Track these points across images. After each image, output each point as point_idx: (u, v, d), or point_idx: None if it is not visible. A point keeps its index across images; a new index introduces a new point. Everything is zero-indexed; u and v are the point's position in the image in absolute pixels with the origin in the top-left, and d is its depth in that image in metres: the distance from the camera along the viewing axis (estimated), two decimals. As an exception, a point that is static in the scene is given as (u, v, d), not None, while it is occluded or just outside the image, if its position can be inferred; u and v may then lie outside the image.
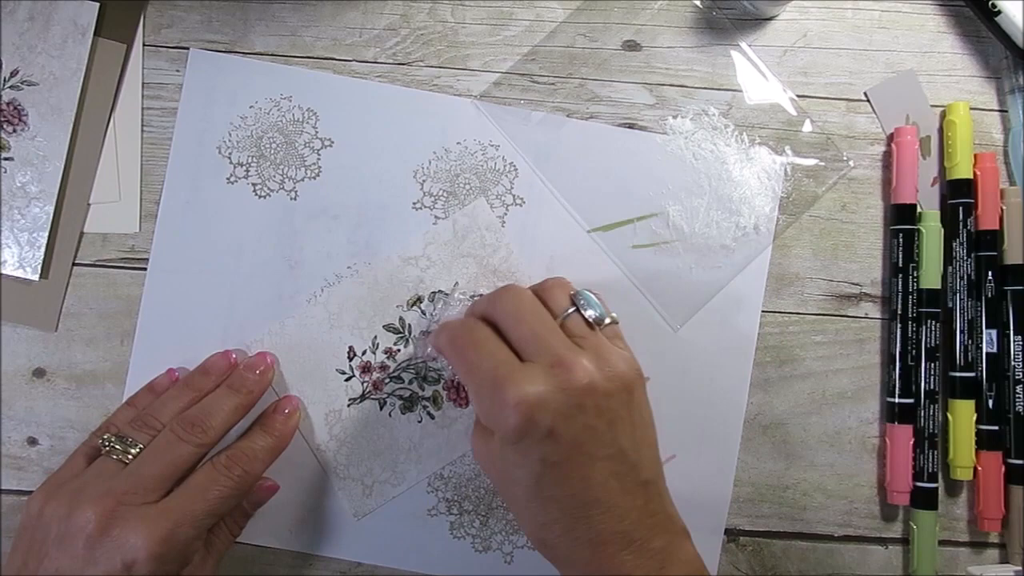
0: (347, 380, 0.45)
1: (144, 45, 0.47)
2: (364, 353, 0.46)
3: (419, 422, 0.45)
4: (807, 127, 0.47)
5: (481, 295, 0.44)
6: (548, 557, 0.36)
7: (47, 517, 0.37)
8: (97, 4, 0.46)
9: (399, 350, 0.46)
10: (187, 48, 0.47)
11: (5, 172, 0.45)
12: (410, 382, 0.46)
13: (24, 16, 0.46)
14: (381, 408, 0.45)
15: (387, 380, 0.46)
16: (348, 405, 0.45)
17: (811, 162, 0.47)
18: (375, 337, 0.46)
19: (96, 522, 0.36)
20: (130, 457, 0.39)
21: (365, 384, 0.45)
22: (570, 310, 0.38)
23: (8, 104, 0.45)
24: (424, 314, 0.45)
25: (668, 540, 0.35)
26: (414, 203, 0.46)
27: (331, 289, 0.46)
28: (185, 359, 0.45)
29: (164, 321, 0.45)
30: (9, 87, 0.46)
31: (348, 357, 0.46)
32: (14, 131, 0.45)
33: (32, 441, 0.45)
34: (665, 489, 0.38)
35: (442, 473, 0.45)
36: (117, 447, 0.39)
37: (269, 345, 0.45)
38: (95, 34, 0.46)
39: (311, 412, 0.45)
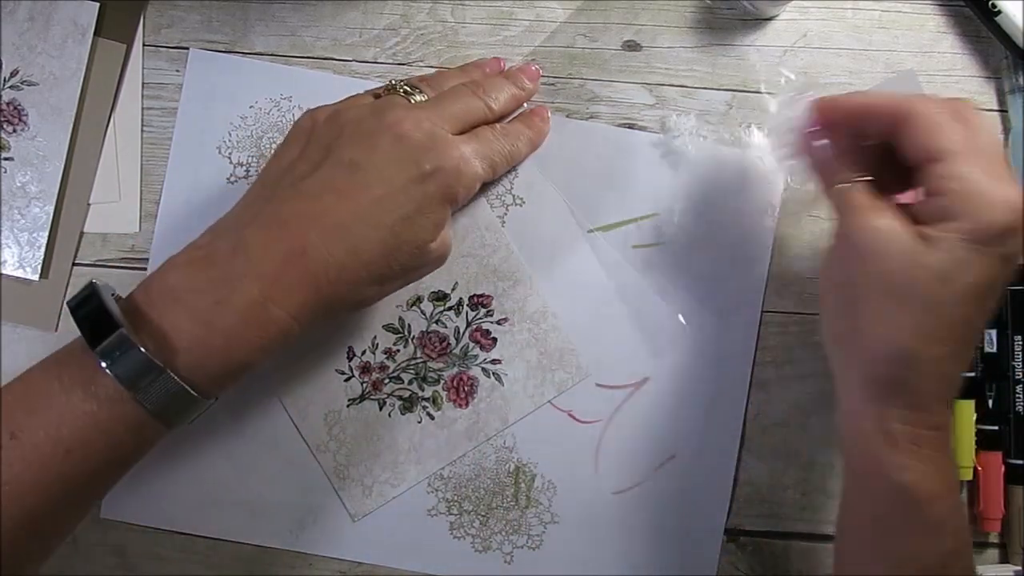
0: (346, 380, 0.45)
1: (144, 45, 0.47)
2: (363, 353, 0.46)
3: (419, 422, 0.45)
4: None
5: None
6: (871, 375, 0.34)
7: (342, 119, 0.38)
8: (97, 4, 0.46)
9: (399, 350, 0.46)
10: (187, 48, 0.47)
11: (5, 172, 0.45)
12: (410, 382, 0.46)
13: (24, 16, 0.46)
14: (381, 408, 0.45)
15: (387, 380, 0.46)
16: (347, 405, 0.45)
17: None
18: (374, 337, 0.46)
19: (407, 123, 0.37)
20: (422, 100, 0.40)
21: (364, 384, 0.45)
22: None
23: (8, 104, 0.46)
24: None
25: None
26: None
27: None
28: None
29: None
30: (9, 87, 0.46)
31: (347, 357, 0.46)
32: (14, 131, 0.45)
33: (32, 441, 0.45)
34: None
35: (442, 473, 0.45)
36: (408, 89, 0.41)
37: None
38: (95, 34, 0.46)
39: (310, 412, 0.45)
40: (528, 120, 0.45)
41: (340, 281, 0.35)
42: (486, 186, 0.46)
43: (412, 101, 0.40)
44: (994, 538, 0.46)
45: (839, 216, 0.36)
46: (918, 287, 0.33)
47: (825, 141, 0.38)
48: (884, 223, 0.34)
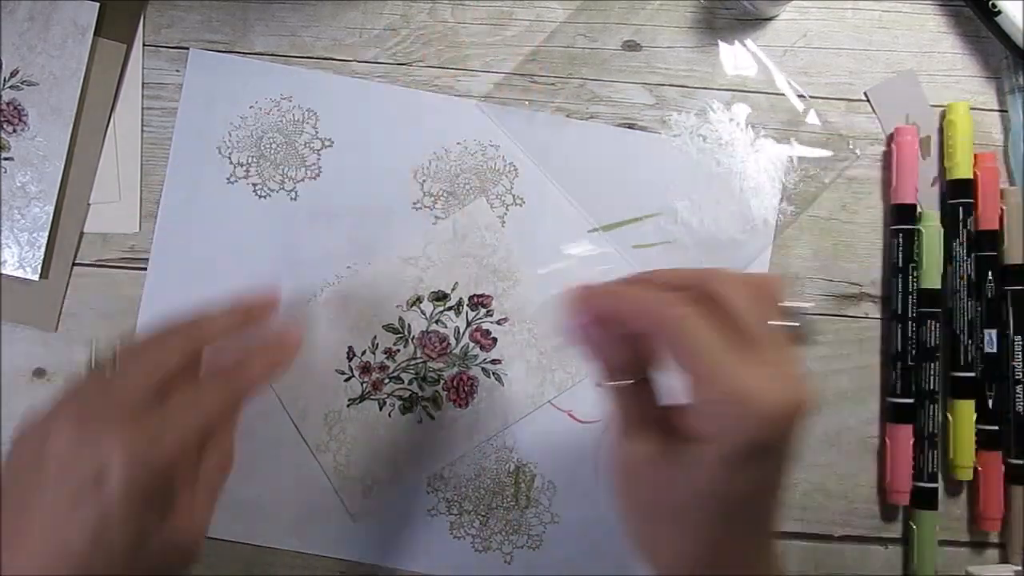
0: (346, 380, 0.45)
1: (144, 45, 0.47)
2: (364, 353, 0.46)
3: (419, 422, 0.45)
4: (812, 118, 0.47)
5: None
6: None
7: (22, 455, 0.33)
8: (97, 4, 0.46)
9: (399, 350, 0.46)
10: (187, 48, 0.47)
11: (5, 172, 0.45)
12: (410, 382, 0.45)
13: (24, 16, 0.46)
14: (380, 408, 0.45)
15: (387, 380, 0.46)
16: (348, 405, 0.45)
17: (817, 153, 0.47)
18: (375, 337, 0.46)
19: (66, 443, 0.31)
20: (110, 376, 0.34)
21: (365, 384, 0.45)
22: (791, 324, 0.32)
23: (8, 104, 0.45)
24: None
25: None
26: (414, 203, 0.46)
27: (331, 289, 0.46)
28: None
29: (166, 300, 0.45)
30: (9, 87, 0.46)
31: (347, 357, 0.46)
32: (14, 131, 0.45)
33: (32, 441, 0.45)
34: None
35: (442, 473, 0.45)
36: (98, 363, 0.34)
37: None
38: (95, 34, 0.46)
39: (310, 412, 0.45)
40: (268, 344, 0.38)
41: None
42: (487, 187, 0.46)
43: (96, 380, 0.34)
44: (994, 538, 0.46)
45: None
46: (677, 503, 0.31)
47: (599, 337, 0.32)
48: (638, 449, 0.31)
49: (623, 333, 0.31)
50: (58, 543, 0.30)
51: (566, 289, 0.32)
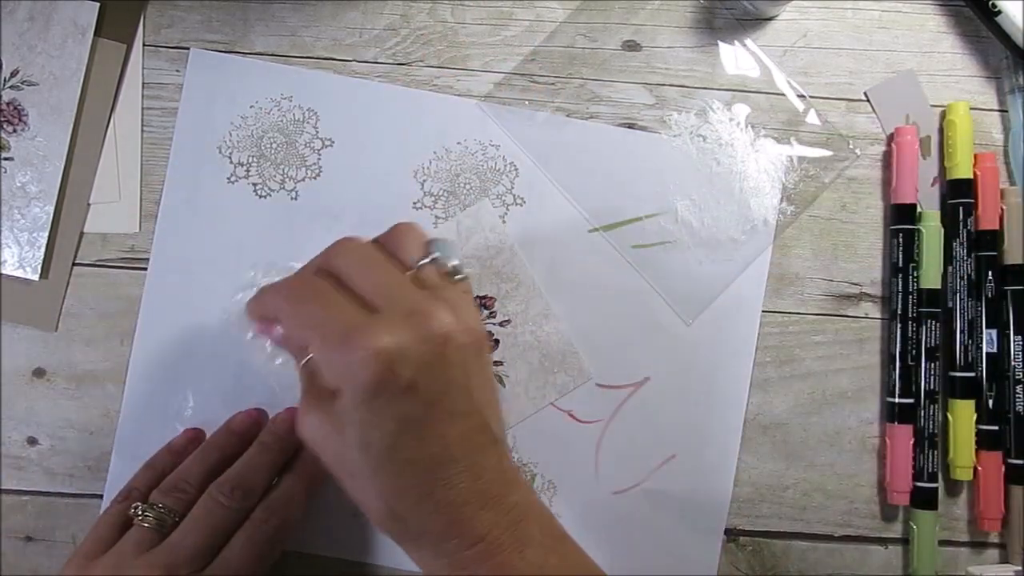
0: None
1: (144, 45, 0.47)
2: None
3: None
4: (812, 118, 0.47)
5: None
6: (396, 534, 0.33)
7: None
8: (97, 4, 0.46)
9: None
10: (187, 48, 0.47)
11: (5, 172, 0.45)
12: None
13: (24, 16, 0.45)
14: None
15: None
16: None
17: (817, 153, 0.47)
18: None
19: None
20: (166, 526, 0.38)
21: None
22: (424, 260, 0.34)
23: (8, 104, 0.45)
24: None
25: (522, 495, 0.34)
26: (414, 203, 0.46)
27: None
28: (185, 359, 0.45)
29: (164, 321, 0.45)
30: (9, 87, 0.45)
31: None
32: (14, 131, 0.45)
33: (32, 441, 0.45)
34: (508, 448, 0.36)
35: None
36: (150, 515, 0.38)
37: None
38: (95, 34, 0.46)
39: None
40: (300, 466, 0.42)
41: None
42: (487, 187, 0.46)
43: (163, 528, 0.38)
44: (994, 538, 0.46)
45: None
46: (356, 459, 0.32)
47: (269, 331, 0.36)
48: (309, 411, 0.33)
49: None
50: None
51: (247, 304, 0.36)
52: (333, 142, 0.46)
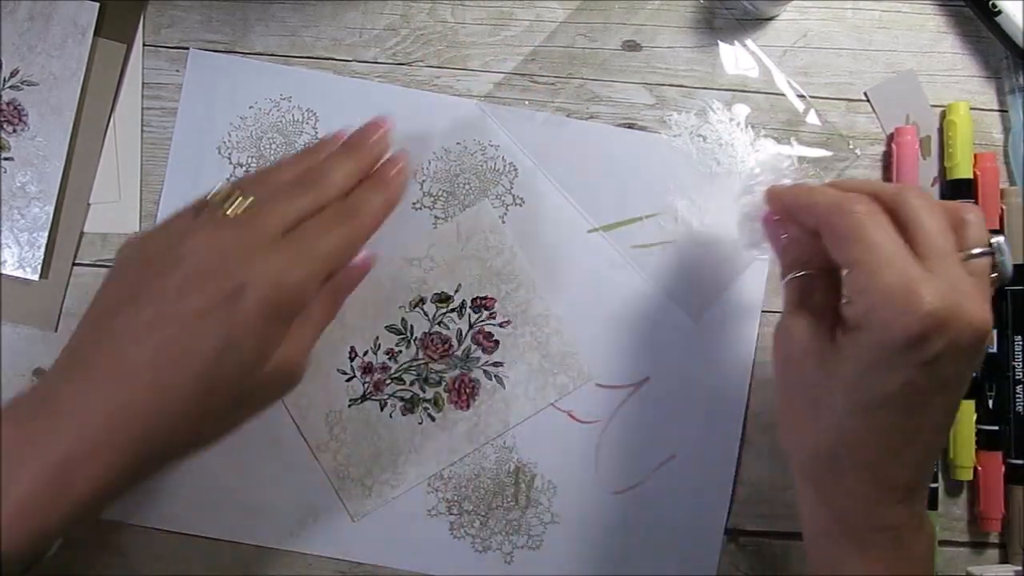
0: (348, 380, 0.45)
1: (144, 45, 0.47)
2: (366, 354, 0.46)
3: (420, 424, 0.45)
4: (812, 118, 0.47)
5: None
6: (814, 478, 0.34)
7: (148, 251, 0.34)
8: (97, 4, 0.46)
9: (401, 351, 0.46)
10: (187, 48, 0.47)
11: (5, 172, 0.45)
12: (411, 383, 0.45)
13: (24, 16, 0.46)
14: (382, 409, 0.45)
15: (388, 381, 0.46)
16: (349, 405, 0.45)
17: (817, 153, 0.47)
18: (377, 338, 0.46)
19: (205, 250, 0.33)
20: (243, 209, 0.35)
21: (366, 385, 0.45)
22: (983, 250, 0.33)
23: (8, 104, 0.45)
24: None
25: (923, 508, 0.34)
26: (414, 203, 0.46)
27: None
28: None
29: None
30: (9, 87, 0.46)
31: (349, 357, 0.46)
32: (14, 131, 0.45)
33: (32, 441, 0.45)
34: None
35: (442, 474, 0.45)
36: (227, 197, 0.35)
37: None
38: (95, 34, 0.46)
39: (311, 412, 0.45)
40: (377, 180, 0.39)
41: (157, 431, 0.31)
42: (487, 187, 0.46)
43: (228, 212, 0.35)
44: (994, 538, 0.46)
45: None
46: (830, 394, 0.33)
47: (779, 230, 0.37)
48: (798, 326, 0.34)
49: (808, 228, 0.35)
50: (180, 345, 0.31)
51: (764, 190, 0.37)
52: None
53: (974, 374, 0.37)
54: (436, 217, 0.46)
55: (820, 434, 0.33)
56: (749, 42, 0.47)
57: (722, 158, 0.47)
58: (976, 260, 0.32)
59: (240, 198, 0.35)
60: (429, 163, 0.46)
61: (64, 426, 0.30)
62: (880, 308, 0.31)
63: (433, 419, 0.45)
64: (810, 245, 0.35)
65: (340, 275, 0.38)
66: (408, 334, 0.46)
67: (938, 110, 0.47)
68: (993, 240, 0.33)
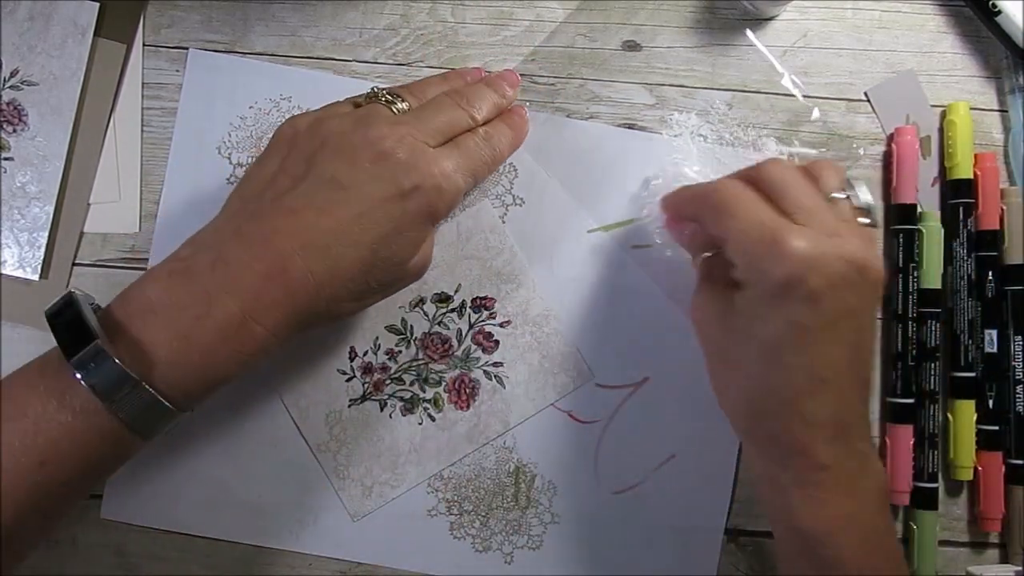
0: (348, 380, 0.45)
1: (144, 45, 0.47)
2: (365, 354, 0.46)
3: (420, 424, 0.45)
4: (815, 115, 0.47)
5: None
6: (744, 429, 0.37)
7: (324, 130, 0.37)
8: (97, 4, 0.46)
9: (400, 351, 0.46)
10: (187, 48, 0.47)
11: (5, 172, 0.45)
12: (411, 383, 0.45)
13: (24, 16, 0.46)
14: (382, 409, 0.45)
15: (388, 381, 0.45)
16: (349, 406, 0.45)
17: (819, 151, 0.47)
18: (377, 338, 0.46)
19: (390, 140, 0.36)
20: (405, 108, 0.39)
21: (366, 385, 0.45)
22: (842, 194, 0.36)
23: (8, 104, 0.45)
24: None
25: (868, 445, 0.36)
26: None
27: None
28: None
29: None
30: (9, 87, 0.46)
31: (349, 357, 0.46)
32: (14, 131, 0.45)
33: (32, 441, 0.45)
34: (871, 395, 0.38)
35: (442, 474, 0.45)
36: (390, 98, 0.39)
37: None
38: (95, 34, 0.46)
39: (311, 412, 0.45)
40: (509, 120, 0.43)
41: (319, 298, 0.35)
42: (487, 187, 0.46)
43: (394, 111, 0.39)
44: (994, 538, 0.46)
45: None
46: (737, 350, 0.36)
47: (680, 228, 0.42)
48: (702, 298, 0.38)
49: (697, 219, 0.39)
50: (361, 223, 0.35)
51: (661, 197, 0.42)
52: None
53: (878, 317, 0.40)
54: None
55: (739, 390, 0.36)
56: (749, 42, 0.47)
57: (723, 158, 0.47)
58: (840, 204, 0.36)
59: (404, 101, 0.40)
60: None
61: (239, 287, 0.34)
62: (755, 261, 0.34)
63: (433, 419, 0.45)
64: (706, 233, 0.38)
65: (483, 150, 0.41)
66: (408, 334, 0.46)
67: (938, 110, 0.47)
68: (847, 177, 0.37)
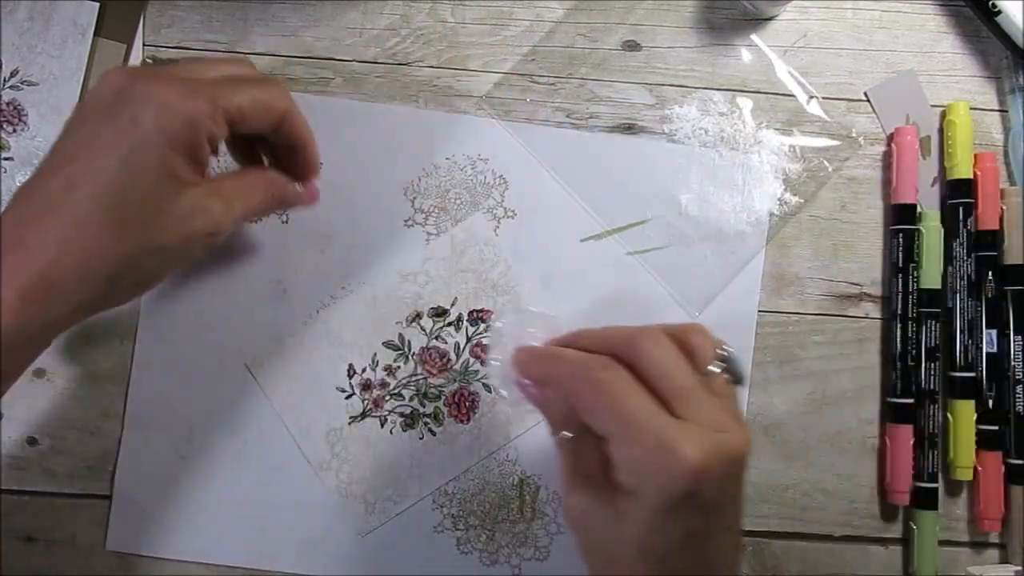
0: (347, 398, 0.45)
1: (144, 45, 0.47)
2: (364, 371, 0.45)
3: (421, 439, 0.45)
4: (814, 107, 0.47)
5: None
6: None
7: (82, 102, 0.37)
8: (97, 4, 0.46)
9: (399, 367, 0.45)
10: (187, 48, 0.47)
11: (5, 172, 0.45)
12: (411, 399, 0.45)
13: (24, 16, 0.46)
14: (382, 426, 0.45)
15: (388, 397, 0.45)
16: (349, 423, 0.45)
17: (820, 143, 0.47)
18: (374, 354, 0.45)
19: (106, 89, 0.34)
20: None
21: (365, 402, 0.45)
22: (717, 368, 0.34)
23: (8, 104, 0.45)
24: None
25: None
26: (405, 220, 0.46)
27: (327, 309, 0.45)
28: (187, 358, 0.45)
29: (164, 321, 0.45)
30: (9, 87, 0.46)
31: (348, 375, 0.45)
32: (14, 131, 0.45)
33: (32, 441, 0.45)
34: None
35: (446, 489, 0.45)
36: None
37: (268, 363, 0.45)
38: (95, 34, 0.46)
39: (311, 431, 0.45)
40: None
41: (60, 269, 0.32)
42: (478, 201, 0.46)
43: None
44: (994, 538, 0.46)
45: None
46: (623, 557, 0.32)
47: (537, 392, 0.35)
48: (579, 503, 0.33)
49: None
50: (87, 173, 0.33)
51: (513, 351, 0.35)
52: (321, 163, 0.45)
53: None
54: (429, 234, 0.46)
55: None
56: (750, 41, 0.47)
57: (724, 151, 0.47)
58: (716, 380, 0.33)
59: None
60: (419, 179, 0.46)
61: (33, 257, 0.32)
62: (646, 475, 0.31)
63: (434, 433, 0.45)
64: (563, 405, 0.34)
65: (276, 179, 0.40)
66: (406, 349, 0.46)
67: (938, 110, 0.47)
68: (720, 351, 0.34)
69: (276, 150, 0.41)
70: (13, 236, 0.32)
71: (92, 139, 0.34)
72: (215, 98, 0.35)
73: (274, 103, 0.37)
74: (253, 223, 0.45)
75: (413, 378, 0.45)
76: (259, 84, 0.37)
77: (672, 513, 0.30)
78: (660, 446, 0.30)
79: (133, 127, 0.33)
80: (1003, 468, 0.45)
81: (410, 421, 0.45)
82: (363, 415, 0.45)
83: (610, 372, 0.32)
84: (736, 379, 0.34)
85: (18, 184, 0.45)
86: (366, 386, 0.45)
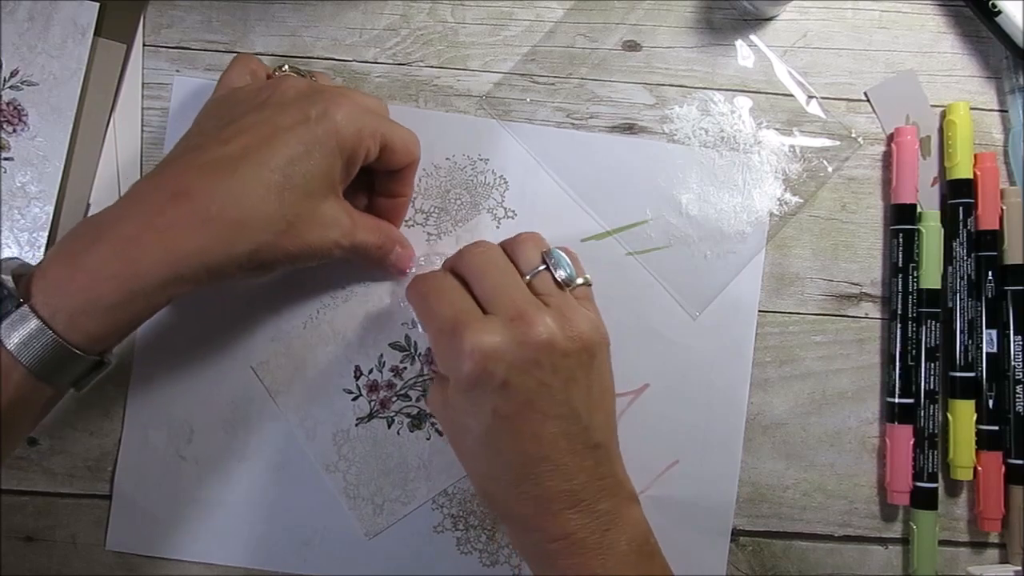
0: (354, 399, 0.45)
1: (144, 45, 0.47)
2: (370, 372, 0.45)
3: (428, 439, 0.45)
4: (814, 108, 0.47)
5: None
6: (492, 509, 0.38)
7: (239, 96, 0.39)
8: (97, 4, 0.46)
9: (405, 368, 0.45)
10: (187, 48, 0.47)
11: (5, 172, 0.45)
12: (417, 399, 0.45)
13: (24, 16, 0.46)
14: (389, 426, 0.45)
15: (394, 398, 0.45)
16: (356, 424, 0.45)
17: (820, 142, 0.47)
18: (381, 355, 0.45)
19: (297, 89, 0.37)
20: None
21: (372, 403, 0.45)
22: (539, 268, 0.37)
23: (8, 104, 0.45)
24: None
25: (615, 503, 0.36)
26: (406, 221, 0.46)
27: (333, 311, 0.45)
28: (188, 358, 0.45)
29: (165, 320, 0.45)
30: (9, 87, 0.46)
31: (354, 376, 0.45)
32: (14, 131, 0.45)
33: (32, 441, 0.45)
34: (617, 455, 0.38)
35: (447, 490, 0.45)
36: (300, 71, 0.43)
37: (274, 366, 0.45)
38: (95, 34, 0.46)
39: (319, 432, 0.45)
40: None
41: (221, 221, 0.34)
42: (478, 201, 0.46)
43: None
44: (994, 538, 0.46)
45: None
46: (459, 439, 0.37)
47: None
48: (430, 392, 0.39)
49: None
50: (269, 144, 0.35)
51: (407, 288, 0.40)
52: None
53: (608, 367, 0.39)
54: (429, 234, 0.46)
55: (475, 477, 0.38)
56: (750, 41, 0.47)
57: (724, 151, 0.47)
58: (539, 279, 0.37)
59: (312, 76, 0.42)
60: (419, 180, 0.46)
61: (139, 211, 0.34)
62: (445, 360, 0.35)
63: (441, 434, 0.45)
64: None
65: (394, 232, 0.43)
66: (412, 350, 0.45)
67: (938, 110, 0.47)
68: (544, 251, 0.38)
69: (373, 195, 0.43)
70: (181, 185, 0.34)
71: (267, 122, 0.35)
72: (383, 122, 0.39)
73: (414, 149, 0.41)
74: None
75: (420, 379, 0.45)
76: (405, 128, 0.41)
77: (473, 393, 0.34)
78: (452, 333, 0.34)
79: (321, 120, 0.36)
80: (1003, 468, 0.45)
81: (417, 422, 0.45)
82: (370, 416, 0.45)
83: (430, 280, 0.38)
84: (561, 279, 0.38)
85: (18, 184, 0.45)
86: (373, 387, 0.45)
